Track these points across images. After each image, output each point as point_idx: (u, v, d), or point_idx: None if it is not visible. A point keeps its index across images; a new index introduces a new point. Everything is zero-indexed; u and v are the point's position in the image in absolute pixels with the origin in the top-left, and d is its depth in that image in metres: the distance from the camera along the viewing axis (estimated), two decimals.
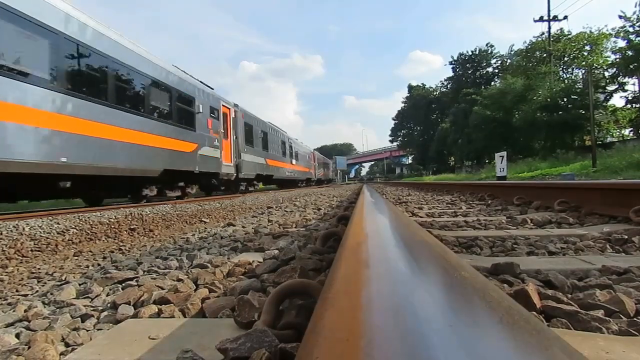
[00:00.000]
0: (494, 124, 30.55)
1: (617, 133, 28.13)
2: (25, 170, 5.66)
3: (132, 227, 4.99)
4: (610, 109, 26.75)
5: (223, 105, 13.45)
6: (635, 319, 0.95)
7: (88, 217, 5.27)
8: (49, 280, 2.48)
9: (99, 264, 2.93)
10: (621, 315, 0.98)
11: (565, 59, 30.75)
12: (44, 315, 1.33)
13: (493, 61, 45.91)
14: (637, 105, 25.43)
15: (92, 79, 7.29)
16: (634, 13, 21.36)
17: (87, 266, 2.94)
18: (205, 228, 4.67)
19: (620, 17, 22.01)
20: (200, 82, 12.06)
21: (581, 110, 23.44)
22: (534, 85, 27.77)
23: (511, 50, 38.81)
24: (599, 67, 27.34)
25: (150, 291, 1.43)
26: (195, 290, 1.44)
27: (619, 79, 25.60)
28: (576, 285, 1.24)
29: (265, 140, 18.95)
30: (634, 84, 25.18)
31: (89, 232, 4.51)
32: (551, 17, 29.73)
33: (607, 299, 1.05)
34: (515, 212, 3.66)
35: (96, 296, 1.57)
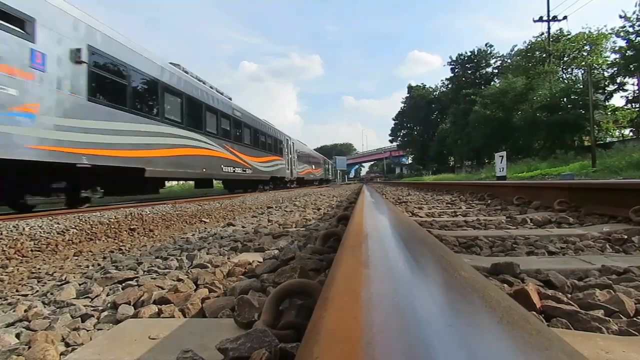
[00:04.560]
0: (494, 124, 30.54)
1: (617, 133, 28.13)
2: None
3: (132, 227, 4.99)
4: (610, 108, 26.75)
5: None
6: (635, 318, 0.95)
7: (88, 217, 5.26)
8: (49, 280, 2.48)
9: (99, 264, 2.94)
10: (621, 315, 0.98)
11: (565, 59, 30.75)
12: (44, 315, 1.33)
13: (493, 61, 45.88)
14: (637, 105, 25.44)
15: None
16: (634, 13, 21.45)
17: (87, 266, 2.94)
18: (205, 228, 4.67)
19: (620, 16, 22.08)
20: None
21: (581, 110, 23.45)
22: (534, 85, 27.77)
23: (512, 51, 38.81)
24: (598, 67, 27.34)
25: (150, 291, 1.43)
26: (195, 290, 1.44)
27: (618, 79, 25.62)
28: (576, 285, 1.24)
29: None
30: (633, 84, 25.23)
31: (89, 232, 4.51)
32: (551, 18, 29.76)
33: (607, 298, 1.05)
34: (514, 212, 3.65)
35: (96, 296, 1.57)
